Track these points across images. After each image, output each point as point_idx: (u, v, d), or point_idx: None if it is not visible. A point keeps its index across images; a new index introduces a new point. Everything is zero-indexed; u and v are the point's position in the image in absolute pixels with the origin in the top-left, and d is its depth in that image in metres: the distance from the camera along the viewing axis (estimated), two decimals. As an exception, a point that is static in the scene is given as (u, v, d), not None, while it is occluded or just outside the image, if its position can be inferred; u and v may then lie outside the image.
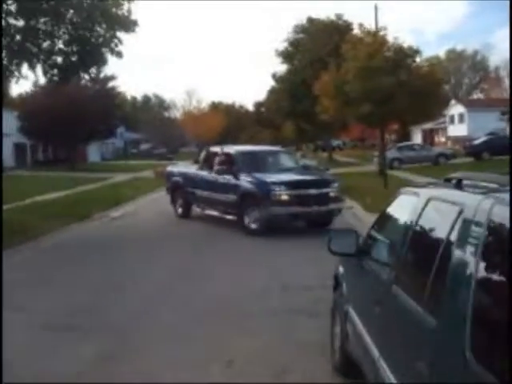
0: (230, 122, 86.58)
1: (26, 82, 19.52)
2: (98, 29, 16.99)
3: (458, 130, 62.58)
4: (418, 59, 24.63)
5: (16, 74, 17.93)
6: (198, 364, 5.88)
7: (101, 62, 17.64)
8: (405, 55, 23.87)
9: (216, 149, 17.76)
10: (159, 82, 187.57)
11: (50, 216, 17.75)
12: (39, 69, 17.88)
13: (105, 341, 6.62)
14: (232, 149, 17.14)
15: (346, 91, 23.45)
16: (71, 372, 5.69)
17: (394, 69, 23.52)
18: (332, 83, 24.91)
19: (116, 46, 17.14)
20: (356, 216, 17.76)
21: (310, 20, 48.59)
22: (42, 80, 22.90)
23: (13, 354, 6.04)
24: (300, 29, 49.47)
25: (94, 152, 64.76)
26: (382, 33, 24.56)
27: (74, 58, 17.63)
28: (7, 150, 46.99)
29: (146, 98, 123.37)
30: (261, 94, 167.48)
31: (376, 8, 31.40)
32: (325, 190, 14.89)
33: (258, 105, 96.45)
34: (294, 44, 49.16)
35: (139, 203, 23.81)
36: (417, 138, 69.48)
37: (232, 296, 8.52)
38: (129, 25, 16.84)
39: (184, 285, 9.43)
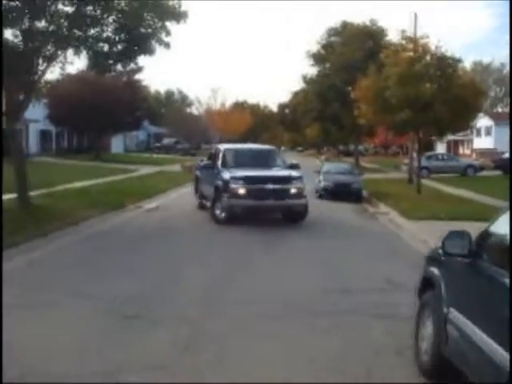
0: (255, 121, 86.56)
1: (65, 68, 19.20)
2: (148, 18, 16.87)
3: (483, 142, 62.04)
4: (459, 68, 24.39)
5: (61, 59, 17.92)
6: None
7: (148, 51, 17.53)
8: (447, 63, 23.62)
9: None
10: (183, 77, 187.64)
11: (84, 204, 17.69)
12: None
13: (177, 330, 6.51)
14: (222, 146, 18.68)
15: (385, 97, 23.24)
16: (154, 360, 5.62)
17: (435, 76, 23.33)
18: (372, 88, 24.71)
19: (165, 36, 17.06)
20: (393, 222, 17.57)
21: (345, 24, 48.34)
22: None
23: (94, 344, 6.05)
24: (334, 32, 49.25)
25: (117, 143, 64.87)
26: (424, 40, 24.34)
27: (120, 47, 17.59)
28: (33, 136, 47.17)
29: (170, 93, 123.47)
30: (284, 96, 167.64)
31: (416, 16, 31.42)
32: (284, 187, 15.77)
33: (283, 106, 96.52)
34: (327, 47, 48.91)
35: (171, 196, 23.75)
36: (441, 149, 68.87)
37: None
38: (179, 15, 16.73)
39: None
